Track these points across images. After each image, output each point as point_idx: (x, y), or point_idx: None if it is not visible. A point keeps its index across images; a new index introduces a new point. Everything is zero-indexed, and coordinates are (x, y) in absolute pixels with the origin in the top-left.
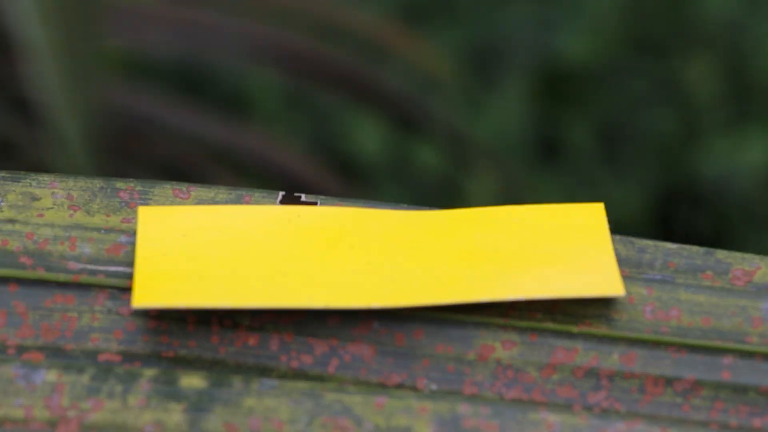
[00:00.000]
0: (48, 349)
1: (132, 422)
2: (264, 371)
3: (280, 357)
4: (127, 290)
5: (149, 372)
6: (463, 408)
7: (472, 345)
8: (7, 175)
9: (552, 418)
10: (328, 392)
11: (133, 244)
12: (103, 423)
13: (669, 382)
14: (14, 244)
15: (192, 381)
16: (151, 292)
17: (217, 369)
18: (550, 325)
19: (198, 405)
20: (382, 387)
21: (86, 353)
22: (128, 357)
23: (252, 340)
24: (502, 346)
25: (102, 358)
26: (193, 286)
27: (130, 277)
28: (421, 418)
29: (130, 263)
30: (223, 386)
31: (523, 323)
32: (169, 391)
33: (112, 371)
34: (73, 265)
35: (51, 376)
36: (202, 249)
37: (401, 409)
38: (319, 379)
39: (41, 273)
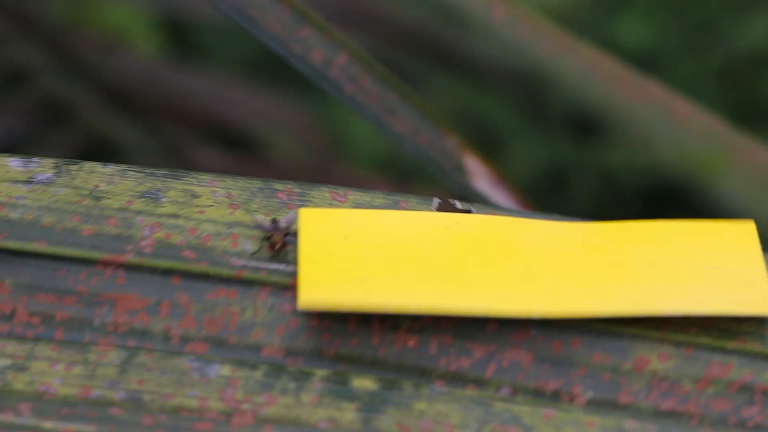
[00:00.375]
0: (211, 341)
1: (306, 418)
2: (423, 373)
3: (440, 360)
4: (289, 288)
5: (321, 372)
6: (629, 424)
7: (628, 356)
8: (168, 173)
9: None
10: (497, 401)
11: (293, 243)
12: (277, 417)
13: None
14: (177, 238)
15: (363, 383)
16: (316, 293)
17: (384, 371)
18: (705, 340)
19: (370, 406)
20: (539, 393)
21: (249, 347)
22: (290, 353)
23: (412, 342)
24: (657, 359)
25: (265, 353)
26: (357, 289)
27: (291, 275)
28: (589, 431)
29: (291, 262)
30: (393, 389)
31: (679, 337)
32: (342, 391)
33: (284, 370)
34: (236, 261)
35: (224, 370)
36: (364, 252)
37: (569, 421)
38: (477, 382)
39: (204, 267)
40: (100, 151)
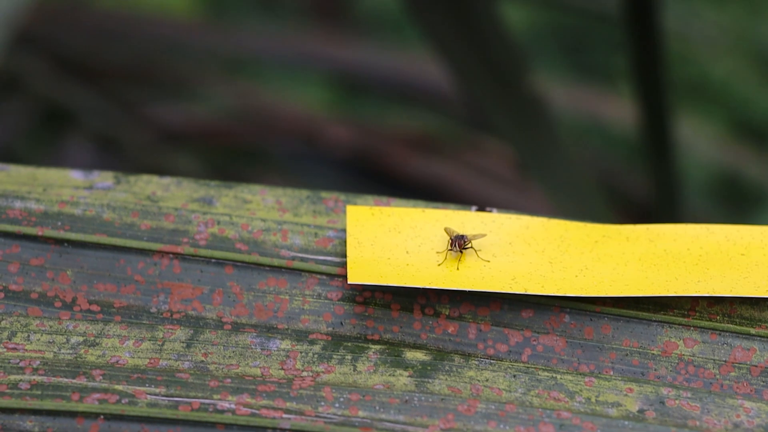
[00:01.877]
0: (261, 327)
1: (362, 382)
2: (464, 356)
3: (478, 345)
4: (337, 277)
5: (376, 346)
6: (666, 390)
7: (656, 341)
8: (220, 183)
9: (748, 404)
10: (541, 370)
11: (340, 238)
12: (335, 381)
13: None
14: (230, 233)
15: (416, 354)
16: (363, 272)
17: (430, 350)
18: (729, 326)
19: (423, 372)
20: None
21: (297, 333)
22: (338, 338)
23: (451, 328)
24: (684, 344)
25: (316, 338)
26: (402, 271)
27: (339, 265)
28: (628, 396)
29: (339, 254)
30: (445, 360)
31: (704, 323)
32: (396, 361)
33: (341, 344)
34: (286, 253)
35: (285, 344)
36: (410, 243)
37: (609, 388)
38: (515, 362)
39: (256, 257)
40: (53, 118)
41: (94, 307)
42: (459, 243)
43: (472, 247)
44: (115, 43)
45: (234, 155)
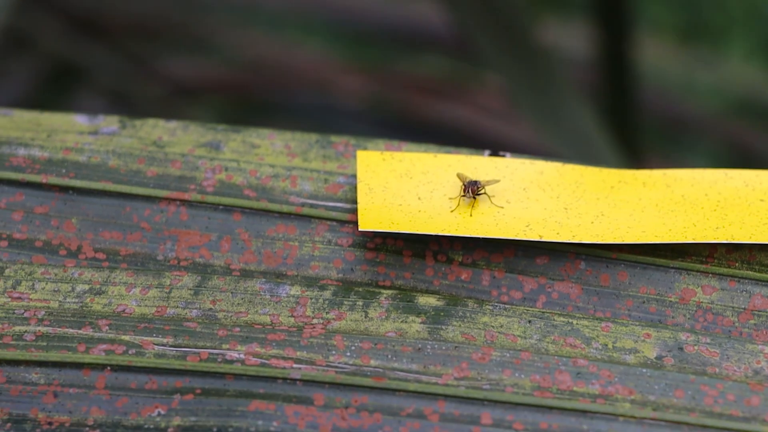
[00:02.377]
0: (270, 274)
1: (374, 330)
2: (482, 303)
3: (491, 292)
4: (347, 223)
5: (387, 291)
6: (684, 336)
7: (673, 288)
8: (228, 127)
9: None
10: (557, 316)
11: (351, 184)
12: (346, 329)
13: None
14: (238, 179)
15: (429, 300)
16: (375, 219)
17: (443, 296)
18: (748, 273)
19: (436, 319)
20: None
21: (307, 279)
22: (347, 284)
23: (465, 275)
24: (702, 291)
25: (326, 284)
26: (414, 218)
27: (350, 211)
28: (646, 342)
29: (349, 200)
30: (458, 305)
31: (723, 270)
32: (408, 307)
33: (352, 290)
34: (295, 199)
35: (294, 290)
36: (422, 189)
37: (626, 333)
38: (530, 308)
39: (265, 204)
40: (65, 75)
41: (100, 255)
42: (472, 189)
43: (485, 193)
44: None
45: (247, 108)
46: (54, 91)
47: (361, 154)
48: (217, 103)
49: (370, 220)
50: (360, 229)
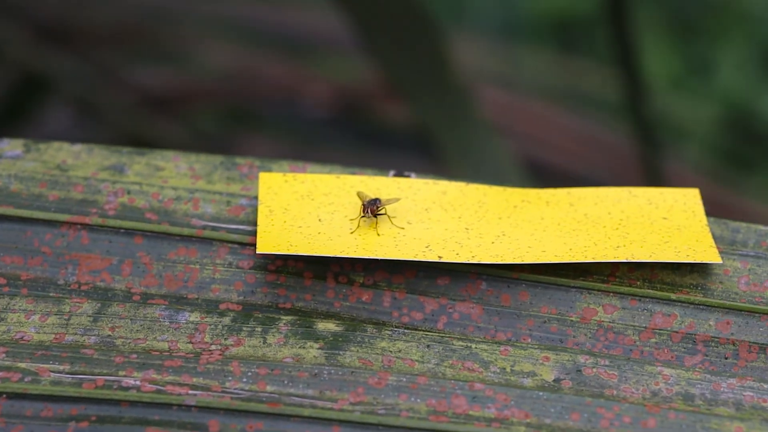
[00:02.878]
0: (171, 298)
1: (272, 355)
2: (376, 325)
3: (392, 313)
4: (248, 245)
5: (287, 317)
6: (583, 358)
7: (575, 307)
8: (133, 150)
9: (668, 371)
10: (456, 340)
11: (253, 206)
12: (244, 355)
13: (763, 348)
14: (140, 202)
15: (327, 325)
16: (273, 241)
17: (343, 319)
18: (649, 291)
19: (334, 344)
20: (490, 344)
21: (208, 303)
22: (248, 307)
23: (366, 296)
24: (603, 310)
25: (223, 307)
26: (314, 240)
27: (251, 233)
28: (544, 365)
29: (251, 222)
30: (357, 330)
31: (624, 289)
32: (306, 332)
33: (251, 316)
34: (196, 222)
35: (194, 316)
36: (323, 210)
37: (525, 357)
38: (429, 332)
39: (166, 227)
40: (32, 85)
41: (1, 280)
42: (371, 208)
43: (385, 212)
44: (94, 7)
45: (218, 117)
46: (20, 101)
47: (263, 176)
48: (186, 114)
49: (268, 243)
50: (257, 252)
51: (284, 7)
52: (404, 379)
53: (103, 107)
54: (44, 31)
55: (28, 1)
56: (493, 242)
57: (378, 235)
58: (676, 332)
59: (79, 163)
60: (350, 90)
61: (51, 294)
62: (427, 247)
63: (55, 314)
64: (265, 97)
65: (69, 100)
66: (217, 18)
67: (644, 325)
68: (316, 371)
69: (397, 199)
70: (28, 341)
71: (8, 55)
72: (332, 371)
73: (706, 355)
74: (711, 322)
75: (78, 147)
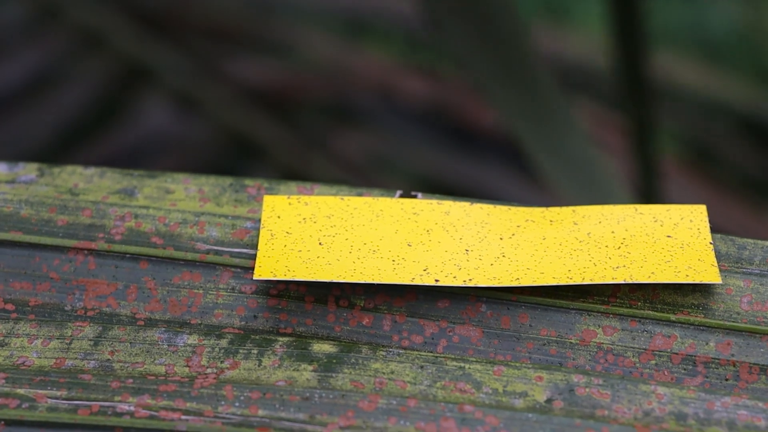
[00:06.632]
0: (174, 323)
1: (265, 378)
2: (376, 349)
3: (392, 336)
4: (250, 270)
5: (283, 339)
6: (576, 378)
7: (574, 329)
8: (144, 173)
9: (662, 389)
10: (449, 360)
11: (257, 229)
12: (238, 378)
13: (764, 369)
14: (147, 226)
15: (323, 347)
16: (272, 266)
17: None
18: (649, 312)
19: (327, 366)
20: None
21: (210, 328)
22: (249, 332)
23: (366, 320)
24: (603, 332)
25: (225, 332)
26: (312, 264)
27: (253, 257)
28: (537, 385)
29: (255, 246)
30: (351, 352)
31: (624, 310)
32: (301, 354)
33: (249, 338)
34: (201, 246)
35: (192, 339)
36: (324, 233)
37: (518, 377)
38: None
39: (171, 252)
40: (134, 76)
41: (9, 306)
42: None
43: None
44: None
45: (313, 111)
46: (122, 92)
47: (267, 200)
48: (283, 107)
49: (266, 269)
50: (254, 278)
51: None
52: (394, 402)
53: (205, 101)
54: (147, 23)
55: None
56: (492, 264)
57: (377, 258)
58: (676, 354)
59: (90, 187)
60: (445, 89)
61: (56, 319)
62: (425, 270)
63: (57, 338)
64: (359, 92)
65: (170, 94)
66: (318, 8)
67: (644, 347)
68: (308, 394)
69: None
70: (29, 366)
71: (113, 46)
72: (323, 394)
73: (707, 377)
74: (711, 343)
75: (91, 170)
